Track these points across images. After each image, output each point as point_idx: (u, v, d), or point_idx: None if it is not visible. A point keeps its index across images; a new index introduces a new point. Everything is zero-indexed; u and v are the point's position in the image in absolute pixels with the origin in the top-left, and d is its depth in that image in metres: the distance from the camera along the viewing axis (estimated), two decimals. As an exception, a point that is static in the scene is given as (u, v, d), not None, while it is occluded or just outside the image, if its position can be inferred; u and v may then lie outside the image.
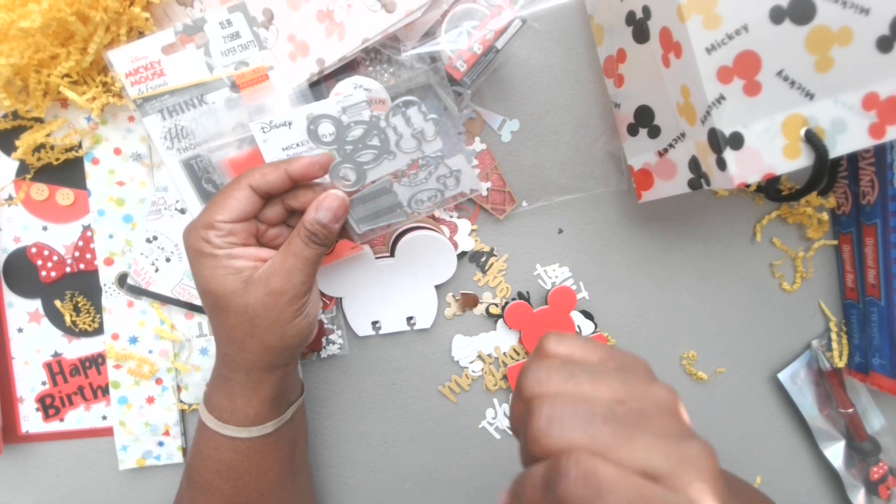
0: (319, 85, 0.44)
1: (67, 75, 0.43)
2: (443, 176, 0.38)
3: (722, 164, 0.35)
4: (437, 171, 0.38)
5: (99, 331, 0.48)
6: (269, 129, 0.42)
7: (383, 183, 0.38)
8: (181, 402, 0.49)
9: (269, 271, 0.36)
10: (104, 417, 0.49)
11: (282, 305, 0.36)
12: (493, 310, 0.49)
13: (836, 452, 0.52)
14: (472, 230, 0.48)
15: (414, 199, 0.39)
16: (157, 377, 0.48)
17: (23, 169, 0.46)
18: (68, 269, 0.48)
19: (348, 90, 0.43)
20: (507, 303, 0.49)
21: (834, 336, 0.51)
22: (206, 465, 0.40)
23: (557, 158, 0.48)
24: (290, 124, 0.42)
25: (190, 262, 0.37)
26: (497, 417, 0.51)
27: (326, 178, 0.39)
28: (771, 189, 0.42)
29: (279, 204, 0.39)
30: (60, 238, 0.47)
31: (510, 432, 0.51)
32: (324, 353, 0.49)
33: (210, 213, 0.36)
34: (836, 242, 0.50)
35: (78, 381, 0.49)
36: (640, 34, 0.39)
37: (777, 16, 0.33)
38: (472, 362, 0.50)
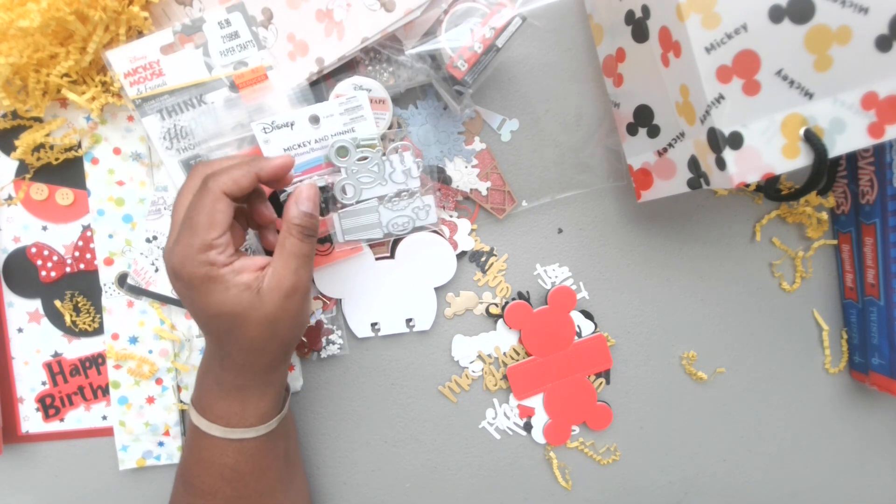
0: (319, 84, 0.44)
1: (66, 75, 0.43)
2: (417, 208, 0.45)
3: (721, 164, 0.35)
4: (413, 202, 0.44)
5: (99, 331, 0.48)
6: (270, 130, 0.42)
7: (372, 203, 0.44)
8: (181, 402, 0.49)
9: (277, 277, 0.36)
10: (104, 417, 0.49)
11: (299, 303, 0.37)
12: (493, 310, 0.49)
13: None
14: (472, 230, 0.48)
15: (391, 223, 0.45)
16: (157, 377, 0.48)
17: (22, 169, 0.46)
18: (68, 269, 0.48)
19: (349, 91, 0.43)
20: (507, 303, 0.49)
21: (826, 344, 0.51)
22: (209, 471, 0.40)
23: (557, 157, 0.48)
24: (292, 125, 0.42)
25: (194, 293, 0.35)
26: (497, 417, 0.51)
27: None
28: (770, 188, 0.42)
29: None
30: (60, 238, 0.47)
31: (510, 432, 0.51)
32: (324, 353, 0.49)
33: (201, 234, 0.34)
34: (835, 242, 0.50)
35: (78, 381, 0.49)
36: (640, 33, 0.39)
37: (776, 15, 0.33)
38: (472, 362, 0.50)
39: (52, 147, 0.46)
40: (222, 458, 0.39)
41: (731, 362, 0.51)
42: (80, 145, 0.46)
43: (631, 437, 0.52)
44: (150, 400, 0.48)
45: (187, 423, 0.42)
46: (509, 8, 0.40)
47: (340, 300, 0.48)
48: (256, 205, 0.41)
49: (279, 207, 0.44)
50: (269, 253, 0.44)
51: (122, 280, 0.47)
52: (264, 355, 0.38)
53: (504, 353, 0.50)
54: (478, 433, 0.51)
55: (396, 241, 0.47)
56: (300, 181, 0.44)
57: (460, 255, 0.48)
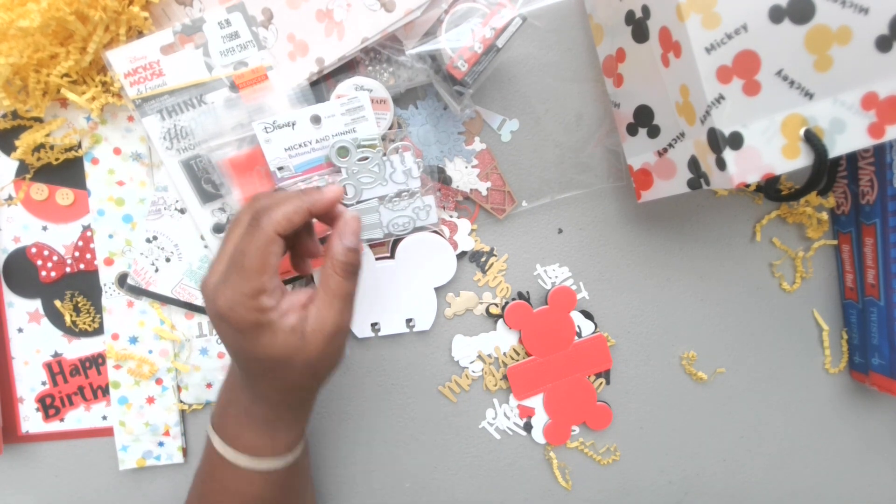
0: (319, 84, 0.44)
1: (66, 75, 0.43)
2: (417, 208, 0.45)
3: (721, 164, 0.35)
4: (413, 202, 0.45)
5: (99, 331, 0.48)
6: (272, 129, 0.42)
7: (372, 203, 0.44)
8: (181, 402, 0.49)
9: (320, 320, 0.34)
10: (104, 417, 0.49)
11: (339, 343, 0.36)
12: (493, 310, 0.49)
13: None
14: (472, 230, 0.48)
15: (392, 223, 0.45)
16: (157, 377, 0.48)
17: (22, 169, 0.46)
18: (68, 269, 0.48)
19: (350, 92, 0.43)
20: (507, 303, 0.49)
21: (826, 344, 0.51)
22: (232, 499, 0.39)
23: (556, 157, 0.48)
24: (293, 125, 0.42)
25: (240, 336, 0.34)
26: (497, 417, 0.51)
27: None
28: (770, 189, 0.42)
29: None
30: (60, 238, 0.47)
31: (510, 432, 0.51)
32: (323, 353, 0.49)
33: (253, 279, 0.32)
34: (835, 242, 0.50)
35: (78, 381, 0.49)
36: (640, 33, 0.39)
37: (776, 15, 0.33)
38: (472, 362, 0.50)
39: (52, 147, 0.46)
40: (249, 487, 0.38)
41: (731, 362, 0.51)
42: (80, 145, 0.46)
43: (631, 437, 0.52)
44: (150, 400, 0.48)
45: (206, 448, 0.41)
46: (509, 8, 0.40)
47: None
48: (302, 237, 0.38)
49: None
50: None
51: (122, 280, 0.47)
52: (303, 391, 0.37)
53: (504, 353, 0.50)
54: (478, 433, 0.51)
55: (396, 241, 0.47)
56: (300, 181, 0.44)
57: (460, 255, 0.48)
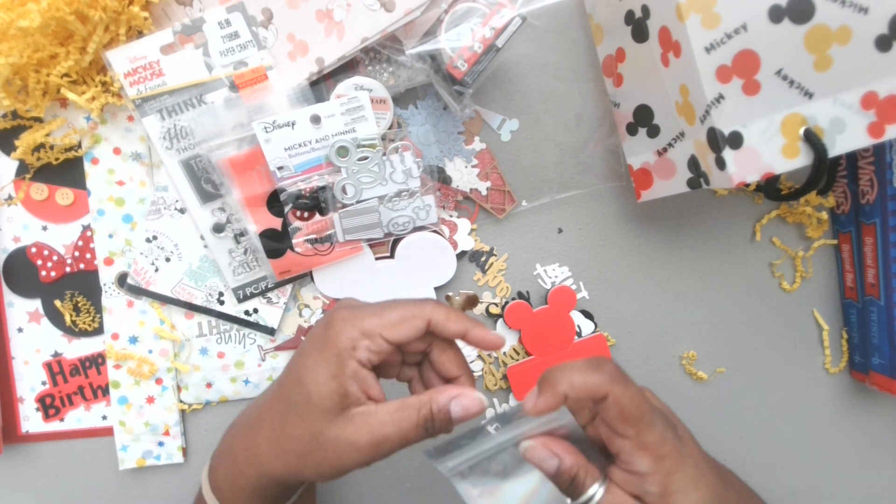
0: (319, 84, 0.44)
1: (66, 75, 0.43)
2: (417, 207, 0.45)
3: (721, 164, 0.35)
4: (413, 202, 0.45)
5: (99, 331, 0.48)
6: (271, 129, 0.42)
7: (372, 203, 0.44)
8: (181, 401, 0.49)
9: (375, 425, 0.31)
10: (104, 417, 0.49)
11: (354, 457, 0.32)
12: (493, 309, 0.49)
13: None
14: (472, 230, 0.48)
15: (392, 222, 0.45)
16: (157, 377, 0.48)
17: (22, 168, 0.46)
18: (68, 269, 0.48)
19: (350, 91, 0.43)
20: (506, 302, 0.49)
21: (826, 343, 0.51)
22: None
23: (556, 157, 0.48)
24: (293, 124, 0.42)
25: (310, 346, 0.32)
26: (497, 417, 0.51)
27: (340, 232, 0.42)
28: (770, 188, 0.42)
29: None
30: (60, 238, 0.47)
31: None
32: (323, 353, 0.48)
33: (380, 324, 0.32)
34: (835, 242, 0.50)
35: (78, 381, 0.49)
36: (640, 33, 0.39)
37: (776, 15, 0.33)
38: (471, 362, 0.50)
39: (52, 147, 0.46)
40: None
41: (731, 362, 0.51)
42: (80, 145, 0.46)
43: (631, 436, 0.52)
44: (150, 400, 0.48)
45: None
46: (509, 8, 0.40)
47: (340, 300, 0.48)
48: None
49: (279, 207, 0.44)
50: (270, 252, 0.44)
51: (122, 280, 0.47)
52: (263, 467, 0.34)
53: (504, 353, 0.50)
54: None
55: (396, 241, 0.47)
56: (300, 180, 0.44)
57: (460, 255, 0.48)
